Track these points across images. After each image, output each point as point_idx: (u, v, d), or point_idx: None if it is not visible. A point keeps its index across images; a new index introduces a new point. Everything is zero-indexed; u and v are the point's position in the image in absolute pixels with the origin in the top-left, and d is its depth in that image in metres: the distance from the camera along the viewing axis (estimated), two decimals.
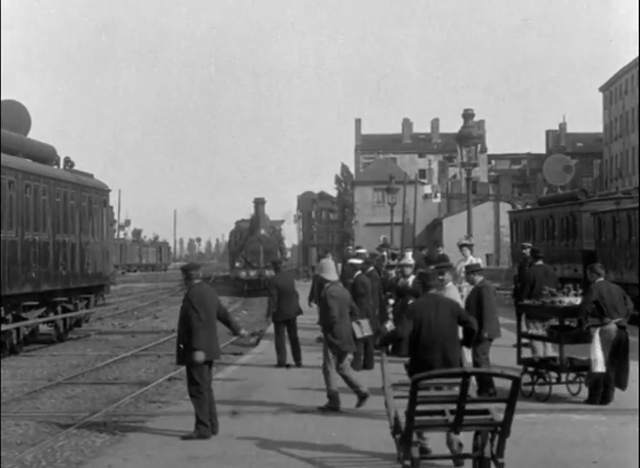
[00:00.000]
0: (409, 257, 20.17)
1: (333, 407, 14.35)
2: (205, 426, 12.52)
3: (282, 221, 77.73)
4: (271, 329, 28.85)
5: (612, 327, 14.58)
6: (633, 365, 15.40)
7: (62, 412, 15.68)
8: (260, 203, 58.21)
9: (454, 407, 9.50)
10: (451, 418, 9.58)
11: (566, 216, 36.45)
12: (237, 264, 56.90)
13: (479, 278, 15.39)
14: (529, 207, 49.84)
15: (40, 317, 25.78)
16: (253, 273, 55.22)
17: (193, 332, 12.49)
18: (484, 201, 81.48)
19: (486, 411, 9.73)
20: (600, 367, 14.50)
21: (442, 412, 9.72)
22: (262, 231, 56.97)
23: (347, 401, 14.38)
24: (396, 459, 10.48)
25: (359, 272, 18.89)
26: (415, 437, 9.66)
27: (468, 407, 9.53)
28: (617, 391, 14.88)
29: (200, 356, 12.49)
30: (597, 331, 14.63)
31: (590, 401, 14.73)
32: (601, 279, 14.97)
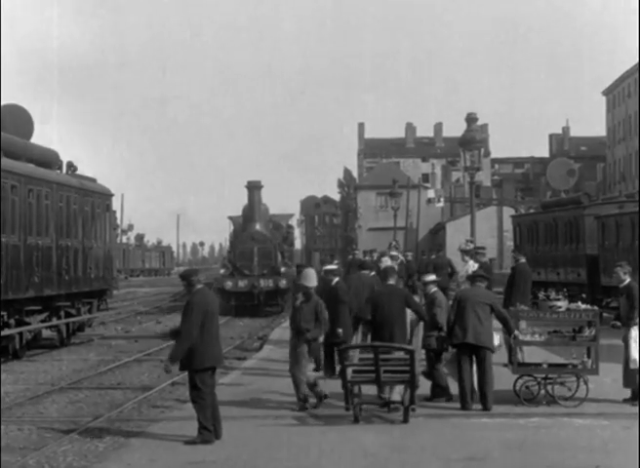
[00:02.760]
0: (387, 262, 20.34)
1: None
2: (208, 431, 12.49)
3: (290, 216, 55.43)
4: (275, 334, 28.89)
5: None
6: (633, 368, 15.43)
7: (65, 417, 15.67)
8: (254, 187, 43.12)
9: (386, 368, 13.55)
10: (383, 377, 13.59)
11: (569, 220, 36.41)
12: (222, 271, 42.71)
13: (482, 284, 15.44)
14: (532, 211, 49.78)
15: (43, 322, 25.76)
16: (243, 283, 40.73)
17: (179, 342, 12.50)
18: (487, 205, 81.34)
19: (405, 372, 13.47)
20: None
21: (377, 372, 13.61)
22: (258, 226, 42.55)
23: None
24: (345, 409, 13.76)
25: (337, 278, 18.25)
26: (356, 390, 13.62)
27: (392, 368, 13.59)
28: (621, 395, 15.01)
29: (169, 368, 12.61)
30: (635, 328, 14.75)
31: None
32: (629, 279, 15.09)
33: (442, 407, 14.85)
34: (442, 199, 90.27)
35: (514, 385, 15.15)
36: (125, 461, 11.71)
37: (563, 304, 15.64)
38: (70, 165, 29.36)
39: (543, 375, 15.15)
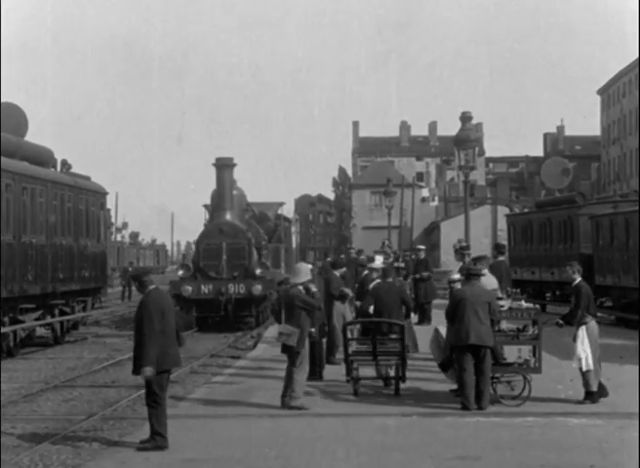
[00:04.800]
0: (378, 262, 20.70)
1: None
2: (162, 437, 12.21)
3: (280, 204, 43.61)
4: (269, 333, 28.85)
5: (594, 323, 14.98)
6: (633, 368, 15.46)
7: (59, 415, 15.67)
8: (224, 166, 33.70)
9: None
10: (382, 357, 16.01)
11: (564, 220, 36.45)
12: (180, 272, 33.49)
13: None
14: (526, 210, 49.83)
15: (37, 320, 25.75)
16: (206, 289, 31.81)
17: (144, 345, 12.06)
18: (482, 204, 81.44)
19: (398, 353, 15.81)
20: (589, 364, 14.64)
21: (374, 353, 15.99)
22: (228, 216, 33.46)
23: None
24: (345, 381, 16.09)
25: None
26: (356, 365, 15.78)
27: (387, 350, 15.93)
28: (616, 395, 15.06)
29: (149, 372, 12.04)
30: (582, 328, 14.79)
31: (590, 399, 14.81)
32: (579, 278, 15.19)
33: (437, 406, 14.85)
34: (436, 198, 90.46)
35: None
36: (119, 459, 11.70)
37: (505, 303, 15.71)
38: (65, 163, 29.33)
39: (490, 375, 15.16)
